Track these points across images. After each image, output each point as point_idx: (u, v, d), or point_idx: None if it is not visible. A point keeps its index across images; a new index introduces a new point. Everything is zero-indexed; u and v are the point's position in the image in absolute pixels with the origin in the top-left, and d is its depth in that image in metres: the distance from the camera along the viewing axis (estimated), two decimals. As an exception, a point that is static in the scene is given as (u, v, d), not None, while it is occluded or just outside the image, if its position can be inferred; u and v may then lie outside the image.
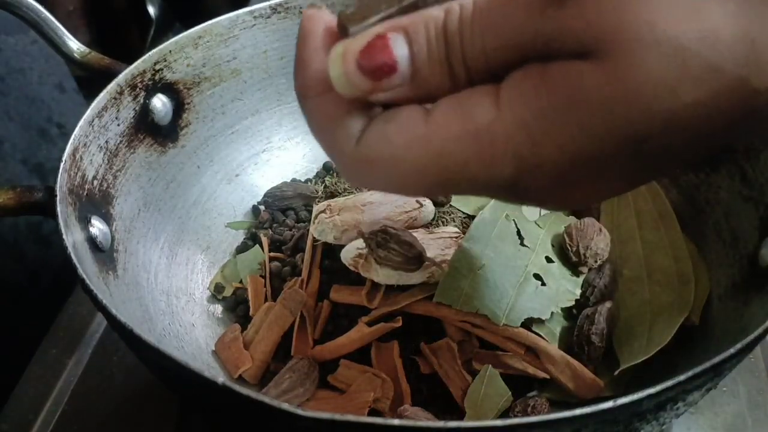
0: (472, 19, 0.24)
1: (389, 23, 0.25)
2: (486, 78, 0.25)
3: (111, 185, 0.45)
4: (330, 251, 0.46)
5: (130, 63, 0.48)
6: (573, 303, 0.43)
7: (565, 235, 0.45)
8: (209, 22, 0.52)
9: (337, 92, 0.26)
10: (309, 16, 0.27)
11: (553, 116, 0.23)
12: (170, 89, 0.50)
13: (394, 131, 0.25)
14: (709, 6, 0.21)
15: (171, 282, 0.47)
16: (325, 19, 0.27)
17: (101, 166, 0.44)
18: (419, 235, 0.43)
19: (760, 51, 0.21)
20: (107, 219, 0.43)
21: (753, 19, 0.21)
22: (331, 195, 0.50)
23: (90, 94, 0.48)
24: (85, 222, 0.41)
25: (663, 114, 0.22)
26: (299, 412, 0.28)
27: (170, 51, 0.50)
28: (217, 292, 0.49)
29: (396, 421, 0.28)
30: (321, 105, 0.26)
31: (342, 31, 0.27)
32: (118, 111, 0.46)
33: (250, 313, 0.47)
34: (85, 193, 0.42)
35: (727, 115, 0.22)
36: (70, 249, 0.36)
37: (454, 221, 0.46)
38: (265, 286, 0.48)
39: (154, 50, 0.49)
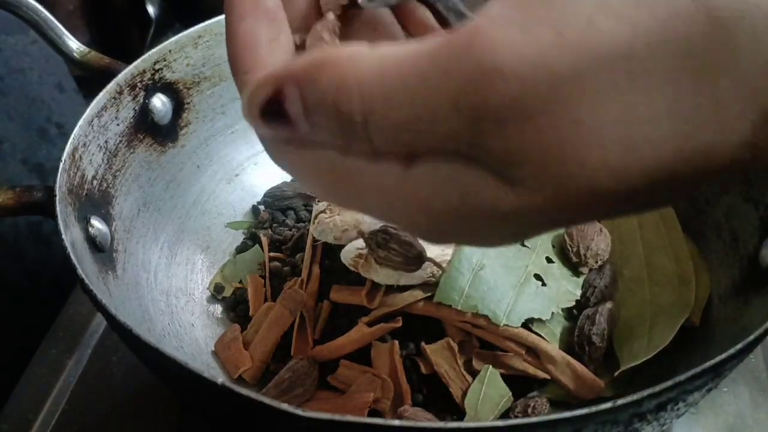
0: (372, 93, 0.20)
1: (290, 66, 0.22)
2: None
3: (110, 185, 0.45)
4: (330, 251, 0.46)
5: (130, 63, 0.48)
6: (573, 303, 0.43)
7: (566, 236, 0.45)
8: (209, 21, 0.52)
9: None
10: None
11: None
12: (170, 89, 0.50)
13: None
14: None
15: (171, 282, 0.47)
16: None
17: (101, 166, 0.44)
18: (419, 235, 0.43)
19: None
20: (107, 219, 0.43)
21: None
22: (331, 195, 0.50)
23: (90, 94, 0.48)
24: (84, 222, 0.41)
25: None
26: (299, 412, 0.28)
27: (170, 51, 0.50)
28: (217, 292, 0.49)
29: (396, 422, 0.28)
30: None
31: (352, 4, 0.26)
32: (117, 111, 0.46)
33: (250, 313, 0.47)
34: (84, 193, 0.42)
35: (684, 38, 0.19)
36: (69, 249, 0.36)
37: (454, 221, 0.46)
38: (265, 286, 0.48)
39: (154, 50, 0.49)
